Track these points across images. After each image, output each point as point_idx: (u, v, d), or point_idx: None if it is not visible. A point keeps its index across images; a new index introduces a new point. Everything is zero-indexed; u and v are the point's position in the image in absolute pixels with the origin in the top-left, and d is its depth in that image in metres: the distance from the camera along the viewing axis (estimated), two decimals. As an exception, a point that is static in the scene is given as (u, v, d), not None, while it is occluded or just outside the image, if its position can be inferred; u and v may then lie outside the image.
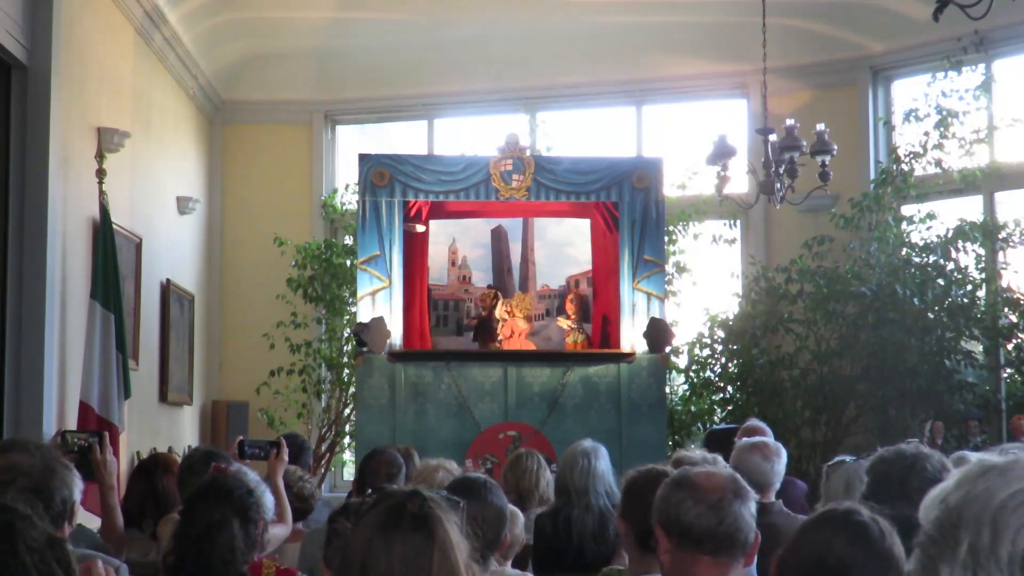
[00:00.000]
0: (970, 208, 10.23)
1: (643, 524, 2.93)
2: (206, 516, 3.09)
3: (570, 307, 9.33)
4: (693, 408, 10.49)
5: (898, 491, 3.31)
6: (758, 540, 2.68)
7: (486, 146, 9.88)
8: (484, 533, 3.08)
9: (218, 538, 3.06)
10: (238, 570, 3.07)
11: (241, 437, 4.94)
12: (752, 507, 2.70)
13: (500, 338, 9.21)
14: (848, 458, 4.26)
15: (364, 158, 9.18)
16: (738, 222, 10.85)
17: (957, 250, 9.84)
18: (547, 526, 4.71)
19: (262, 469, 4.30)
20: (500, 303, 9.30)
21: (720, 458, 4.42)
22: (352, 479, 7.52)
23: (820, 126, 7.91)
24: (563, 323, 9.31)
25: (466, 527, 2.08)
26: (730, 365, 10.52)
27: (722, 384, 10.60)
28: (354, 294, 9.69)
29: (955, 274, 9.82)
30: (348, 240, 10.85)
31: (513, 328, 9.30)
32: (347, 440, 10.82)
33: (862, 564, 2.34)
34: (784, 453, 4.87)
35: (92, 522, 4.84)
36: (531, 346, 9.29)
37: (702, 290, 10.83)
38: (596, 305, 9.41)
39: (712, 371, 10.61)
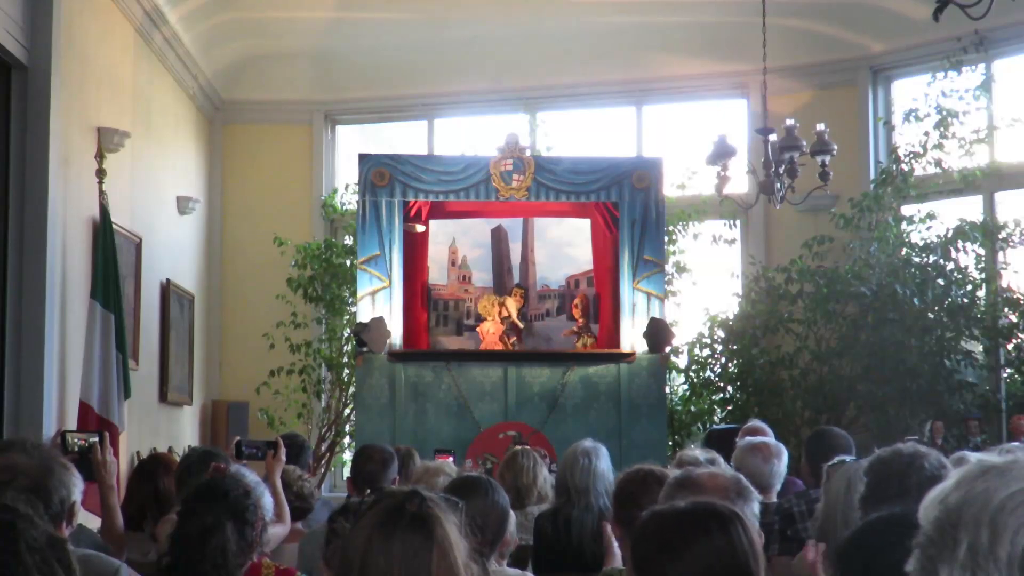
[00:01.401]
0: (970, 208, 10.22)
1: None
2: (200, 518, 3.07)
3: (576, 312, 9.33)
4: (693, 408, 10.49)
5: (897, 490, 3.31)
6: (761, 540, 2.68)
7: (486, 146, 9.88)
8: (487, 531, 3.08)
9: (211, 541, 3.04)
10: (230, 573, 3.06)
11: (238, 438, 4.93)
12: (755, 507, 2.70)
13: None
14: (848, 458, 4.25)
15: (364, 158, 9.19)
16: (738, 222, 10.84)
17: (957, 250, 9.83)
18: (547, 526, 4.70)
19: (261, 469, 4.30)
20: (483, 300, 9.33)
21: (720, 458, 4.42)
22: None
23: (820, 126, 7.90)
24: (569, 333, 9.33)
25: (466, 527, 2.08)
26: (730, 365, 10.51)
27: (722, 384, 10.59)
28: (354, 294, 9.70)
29: (955, 274, 9.82)
30: (348, 240, 10.85)
31: (485, 331, 9.27)
32: (347, 440, 10.82)
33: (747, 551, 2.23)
34: (785, 453, 4.87)
35: (92, 522, 4.84)
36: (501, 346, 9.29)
37: (702, 290, 10.83)
38: (597, 305, 9.42)
39: (712, 371, 10.60)
